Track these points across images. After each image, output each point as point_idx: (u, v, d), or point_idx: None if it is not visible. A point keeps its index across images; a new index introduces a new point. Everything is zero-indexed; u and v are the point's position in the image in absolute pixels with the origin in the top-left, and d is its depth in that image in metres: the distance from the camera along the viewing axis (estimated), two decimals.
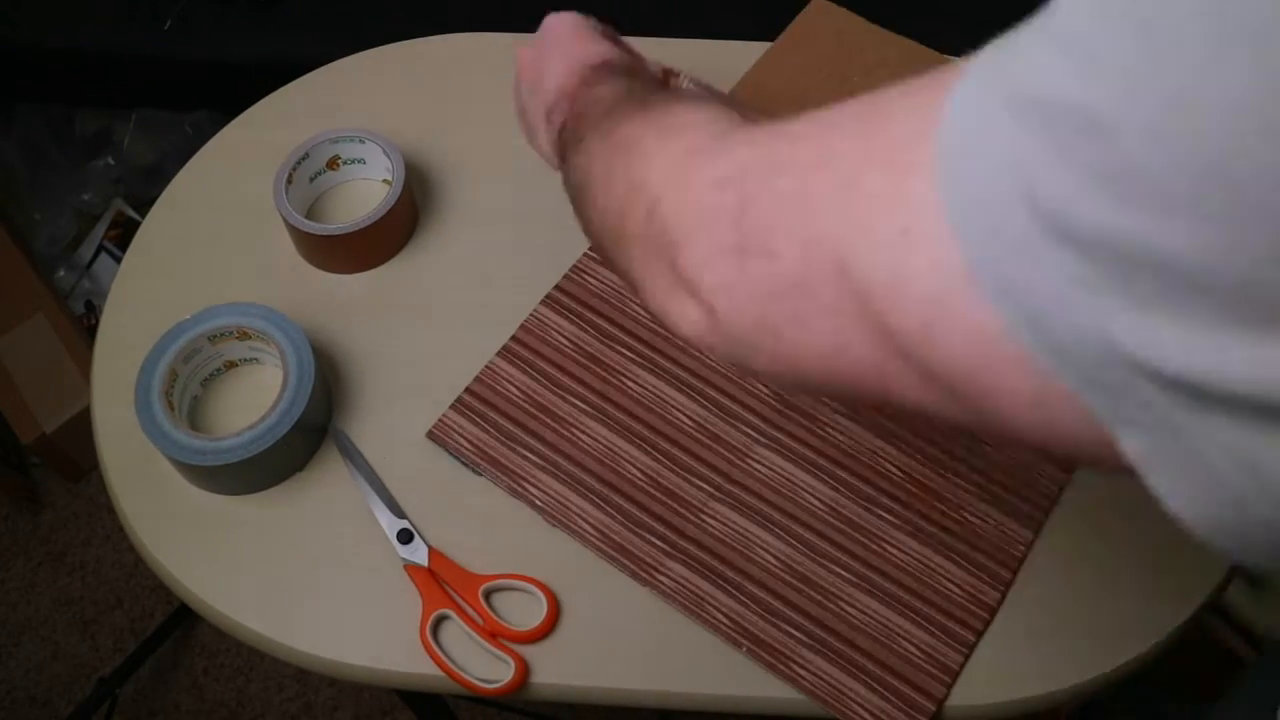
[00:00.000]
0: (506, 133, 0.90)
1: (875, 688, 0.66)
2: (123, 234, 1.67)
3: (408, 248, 0.84)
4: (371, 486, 0.73)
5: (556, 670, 0.68)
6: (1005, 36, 0.30)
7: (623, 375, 0.77)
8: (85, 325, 1.63)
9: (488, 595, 0.69)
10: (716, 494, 0.73)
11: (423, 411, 0.76)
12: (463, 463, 0.74)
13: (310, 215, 0.84)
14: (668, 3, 1.19)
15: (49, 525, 1.59)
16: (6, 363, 1.55)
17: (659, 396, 0.76)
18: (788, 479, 0.73)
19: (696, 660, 0.68)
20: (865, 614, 0.68)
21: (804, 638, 0.67)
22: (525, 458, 0.74)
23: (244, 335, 0.76)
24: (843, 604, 0.69)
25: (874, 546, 0.70)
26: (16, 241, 1.62)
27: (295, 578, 0.71)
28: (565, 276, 0.81)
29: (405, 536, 0.71)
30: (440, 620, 0.69)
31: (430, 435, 0.75)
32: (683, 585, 0.69)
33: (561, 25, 0.66)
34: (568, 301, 0.80)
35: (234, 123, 0.92)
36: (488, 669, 0.68)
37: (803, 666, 0.67)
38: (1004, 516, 0.72)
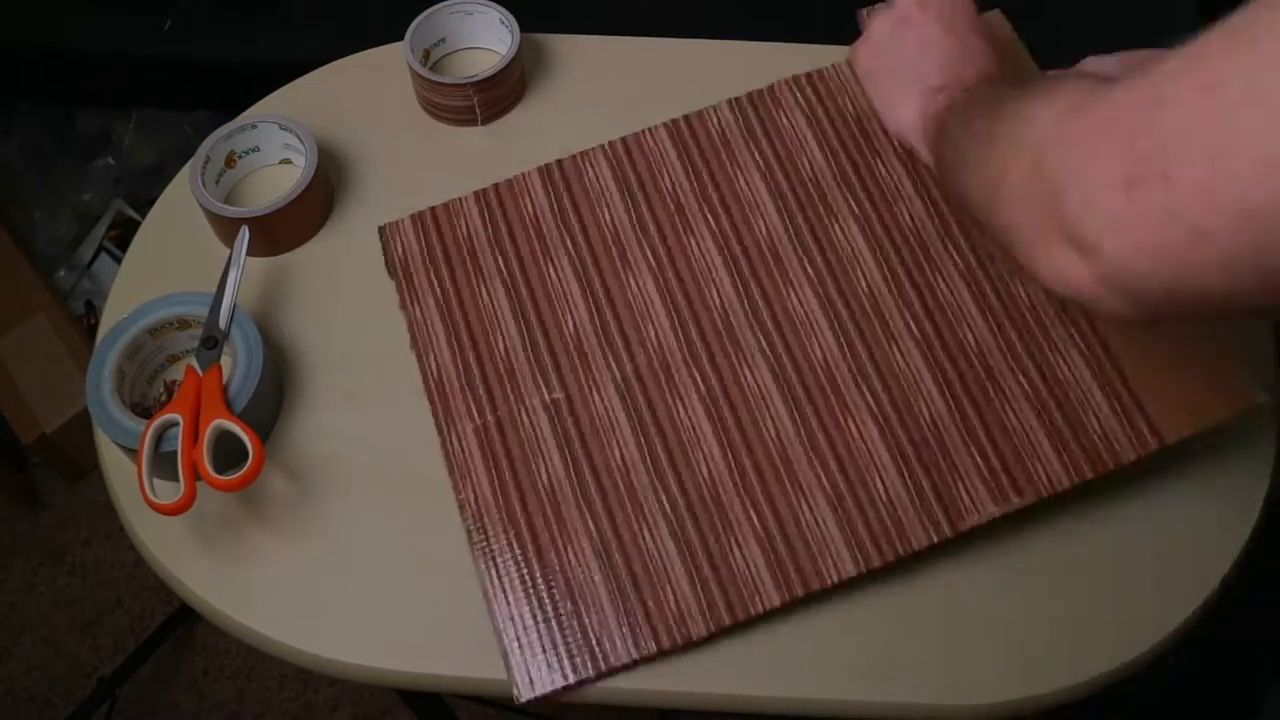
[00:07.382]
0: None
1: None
2: (123, 234, 1.67)
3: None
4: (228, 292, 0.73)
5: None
6: None
7: (552, 262, 0.79)
8: (85, 325, 1.63)
9: (218, 432, 0.69)
10: (548, 400, 0.74)
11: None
12: (386, 264, 0.80)
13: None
14: (668, 3, 1.19)
15: (49, 525, 1.59)
16: (6, 363, 1.55)
17: (565, 295, 0.78)
18: (611, 424, 0.73)
19: (696, 659, 0.68)
20: (582, 566, 0.69)
21: (519, 552, 0.69)
22: (430, 286, 0.79)
23: (184, 325, 0.75)
24: (568, 554, 0.69)
25: (636, 521, 0.70)
26: (17, 241, 1.63)
27: (295, 577, 0.71)
28: (573, 158, 0.83)
29: (210, 343, 0.72)
30: (168, 426, 0.68)
31: (380, 230, 0.81)
32: (463, 451, 0.73)
33: (959, 11, 0.75)
34: (558, 180, 0.83)
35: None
36: (168, 490, 0.67)
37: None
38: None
